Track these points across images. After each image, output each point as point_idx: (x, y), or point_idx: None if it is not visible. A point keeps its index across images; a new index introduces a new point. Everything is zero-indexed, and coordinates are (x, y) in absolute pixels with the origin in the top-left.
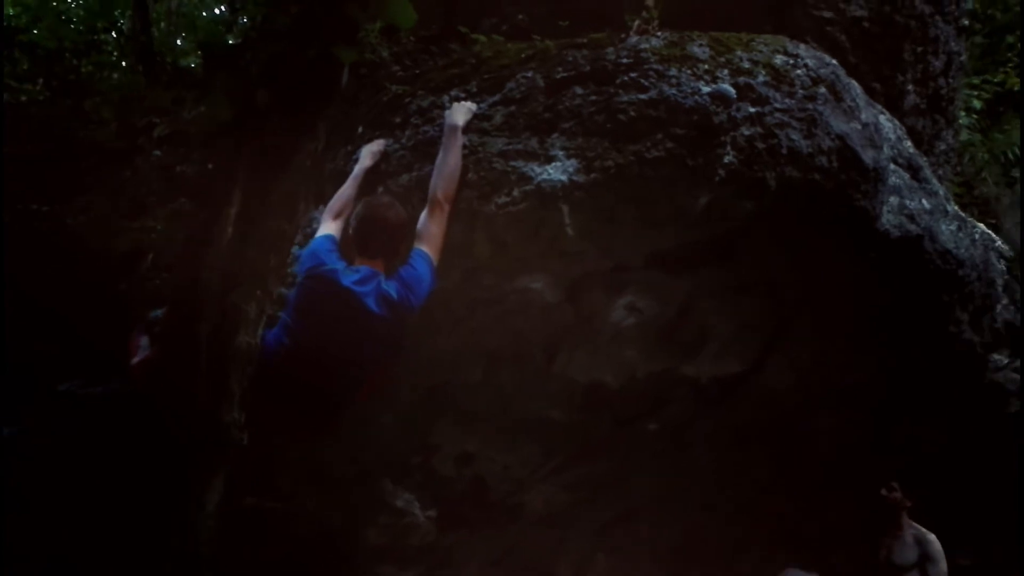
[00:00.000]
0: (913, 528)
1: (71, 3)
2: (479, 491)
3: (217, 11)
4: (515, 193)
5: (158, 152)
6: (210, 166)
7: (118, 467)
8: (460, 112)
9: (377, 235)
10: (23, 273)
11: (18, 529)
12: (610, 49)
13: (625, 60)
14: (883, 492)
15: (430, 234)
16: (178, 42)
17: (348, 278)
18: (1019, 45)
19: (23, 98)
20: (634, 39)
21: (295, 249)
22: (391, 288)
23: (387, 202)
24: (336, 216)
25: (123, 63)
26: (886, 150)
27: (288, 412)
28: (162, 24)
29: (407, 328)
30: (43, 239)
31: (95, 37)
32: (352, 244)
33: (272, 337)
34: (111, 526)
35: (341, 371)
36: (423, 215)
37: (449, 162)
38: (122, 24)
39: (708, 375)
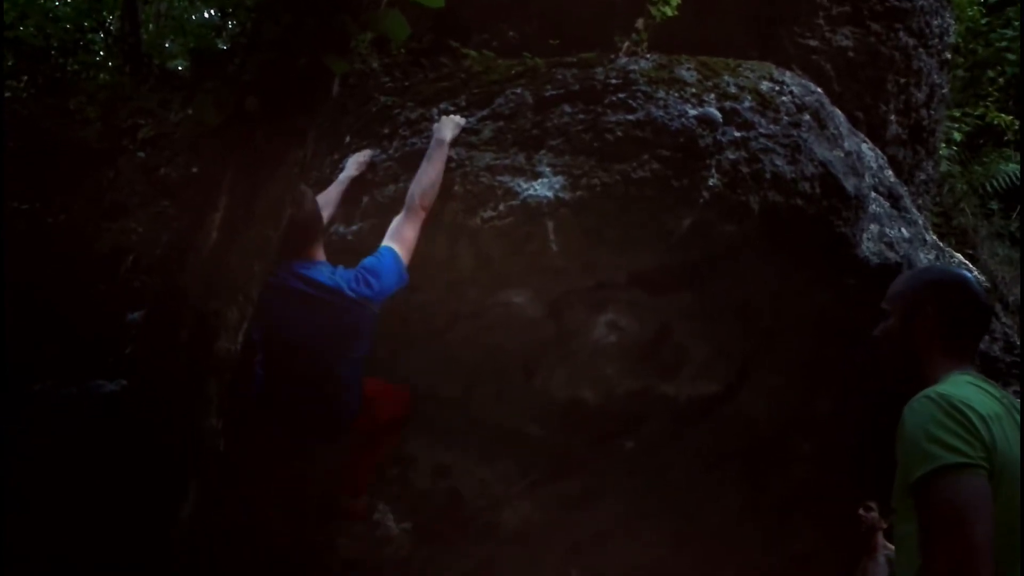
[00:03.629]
0: (887, 550)
1: (58, 2)
2: (455, 505)
3: (207, 15)
4: (501, 208)
5: (142, 154)
6: (195, 170)
7: (90, 469)
8: (448, 126)
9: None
10: None
11: None
12: (599, 69)
13: (614, 81)
14: (860, 511)
15: (402, 236)
16: (167, 44)
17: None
18: (1000, 80)
19: (7, 95)
20: (623, 60)
21: None
22: (342, 277)
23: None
24: None
25: (110, 63)
26: (868, 178)
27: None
28: (151, 26)
29: (371, 318)
30: (22, 238)
31: (83, 37)
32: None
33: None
34: (82, 532)
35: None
36: (398, 218)
37: (431, 172)
38: (110, 24)
39: (686, 395)
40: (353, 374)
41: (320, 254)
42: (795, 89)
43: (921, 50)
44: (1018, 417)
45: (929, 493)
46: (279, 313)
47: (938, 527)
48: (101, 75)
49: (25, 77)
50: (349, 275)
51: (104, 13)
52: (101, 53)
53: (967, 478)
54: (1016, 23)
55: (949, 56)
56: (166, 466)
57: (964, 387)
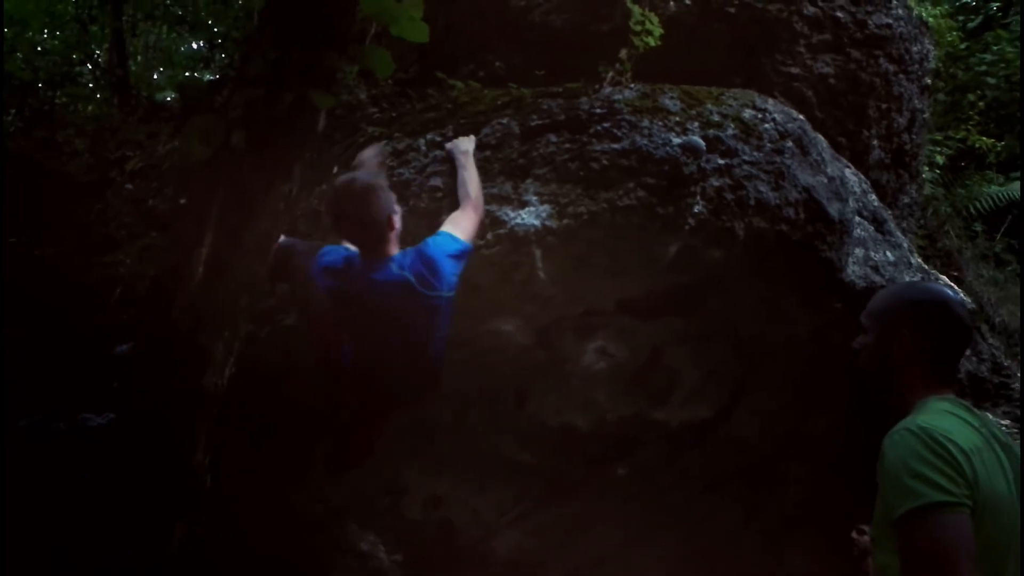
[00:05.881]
0: None
1: (47, 35)
2: (447, 535)
3: (195, 46)
4: (489, 236)
5: (130, 186)
6: (183, 202)
7: (78, 504)
8: (464, 141)
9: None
10: None
11: None
12: (584, 99)
13: (599, 110)
14: (853, 535)
15: (460, 224)
16: (155, 76)
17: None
18: (981, 104)
19: None
20: (608, 90)
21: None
22: (410, 270)
23: (361, 187)
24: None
25: (98, 96)
26: (851, 203)
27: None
28: (139, 58)
29: (447, 302)
30: (10, 270)
31: (71, 69)
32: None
33: None
34: (69, 566)
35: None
36: (456, 212)
37: (472, 175)
38: (99, 57)
39: (678, 420)
40: (440, 343)
41: (391, 249)
42: (777, 116)
43: (901, 76)
44: (997, 446)
45: (912, 531)
46: (356, 314)
47: (922, 566)
48: (89, 107)
49: (13, 110)
50: (416, 267)
51: (92, 46)
52: (90, 85)
53: (952, 517)
54: (995, 48)
55: (929, 81)
56: (153, 501)
57: (944, 418)
